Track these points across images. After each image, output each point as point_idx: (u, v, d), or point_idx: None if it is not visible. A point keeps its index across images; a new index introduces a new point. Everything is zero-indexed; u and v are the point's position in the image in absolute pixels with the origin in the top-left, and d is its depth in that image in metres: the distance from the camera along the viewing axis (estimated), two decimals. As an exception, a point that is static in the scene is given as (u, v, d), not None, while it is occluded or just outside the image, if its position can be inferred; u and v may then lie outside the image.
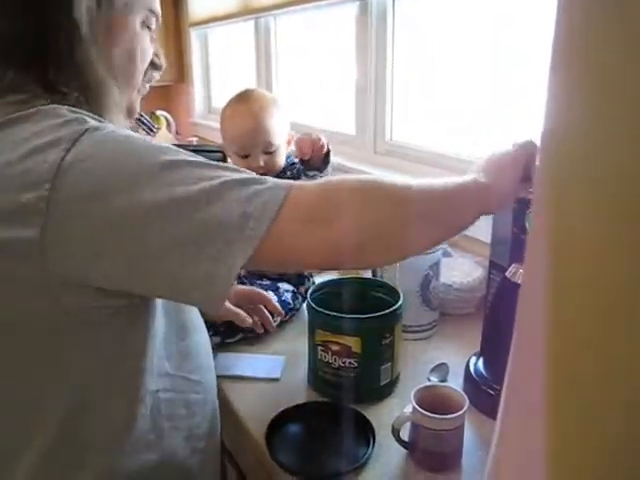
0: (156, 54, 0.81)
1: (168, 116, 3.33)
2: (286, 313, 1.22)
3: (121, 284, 0.62)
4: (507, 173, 0.77)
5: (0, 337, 0.65)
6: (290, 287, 1.27)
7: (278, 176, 1.32)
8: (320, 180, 0.68)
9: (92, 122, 0.63)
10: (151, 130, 3.07)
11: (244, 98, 1.30)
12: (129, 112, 0.81)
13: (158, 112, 3.27)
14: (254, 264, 0.60)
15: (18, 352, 0.66)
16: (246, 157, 1.30)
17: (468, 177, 0.74)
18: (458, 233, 0.74)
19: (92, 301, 0.63)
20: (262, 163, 1.28)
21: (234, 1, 2.54)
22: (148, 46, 0.78)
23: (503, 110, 1.42)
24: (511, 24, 1.36)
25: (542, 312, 0.28)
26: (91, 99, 0.69)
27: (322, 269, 1.25)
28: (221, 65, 3.12)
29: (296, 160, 1.36)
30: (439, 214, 0.70)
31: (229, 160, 2.41)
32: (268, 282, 1.27)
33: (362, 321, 0.96)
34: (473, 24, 1.47)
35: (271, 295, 1.19)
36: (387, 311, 0.97)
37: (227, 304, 1.09)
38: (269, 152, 1.29)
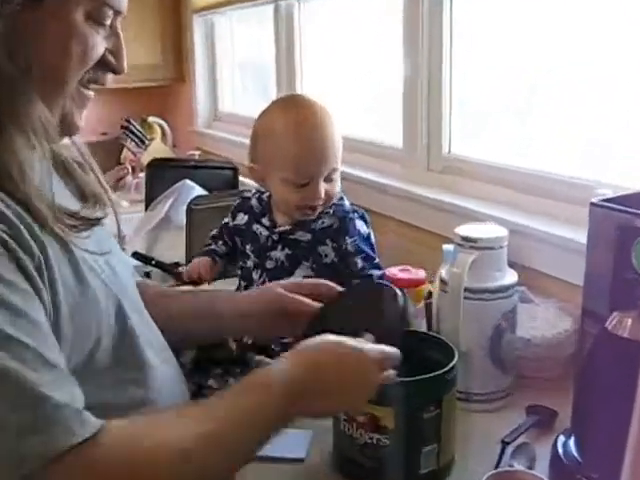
0: (112, 52, 0.82)
1: (164, 124, 3.39)
2: None
3: None
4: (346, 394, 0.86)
5: None
6: None
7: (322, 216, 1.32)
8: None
9: None
10: (142, 142, 3.13)
11: (301, 108, 1.28)
12: (66, 128, 0.82)
13: (151, 119, 3.33)
14: None
15: None
16: (303, 186, 1.28)
17: (276, 388, 0.79)
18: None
19: None
20: (323, 194, 1.28)
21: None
22: (94, 44, 0.79)
23: (583, 112, 1.42)
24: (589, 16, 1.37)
25: None
26: None
27: None
28: (231, 60, 3.18)
29: (346, 203, 1.37)
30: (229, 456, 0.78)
31: (240, 178, 2.43)
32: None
33: (395, 387, 0.91)
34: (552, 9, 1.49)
35: None
36: (429, 375, 0.93)
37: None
38: (331, 179, 1.30)
